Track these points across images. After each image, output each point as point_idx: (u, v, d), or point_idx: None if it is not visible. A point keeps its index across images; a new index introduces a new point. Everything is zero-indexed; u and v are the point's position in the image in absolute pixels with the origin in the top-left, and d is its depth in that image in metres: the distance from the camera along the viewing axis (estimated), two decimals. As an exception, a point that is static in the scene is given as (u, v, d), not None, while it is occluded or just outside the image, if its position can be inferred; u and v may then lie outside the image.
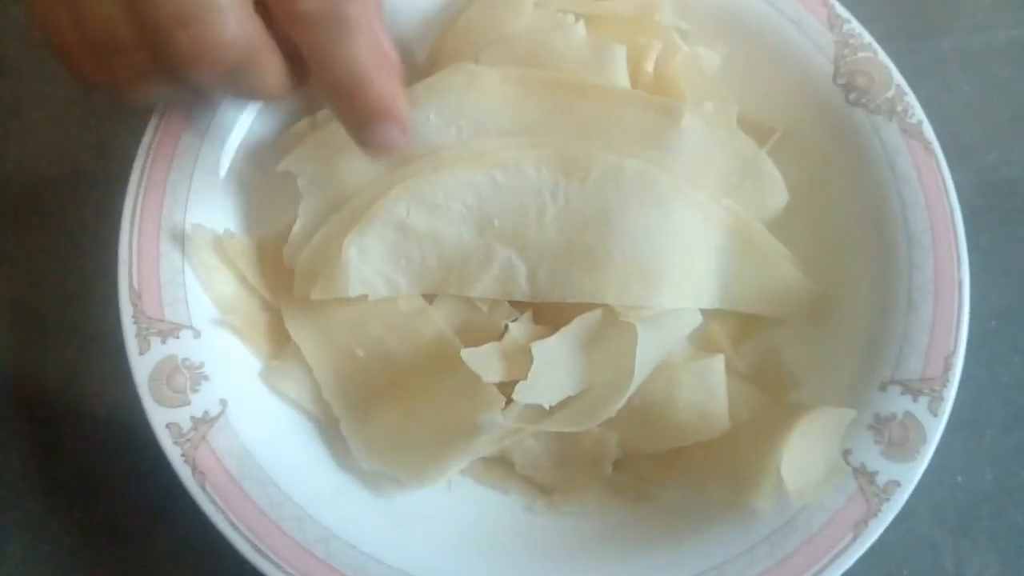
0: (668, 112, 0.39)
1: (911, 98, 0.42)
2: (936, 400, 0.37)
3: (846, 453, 0.37)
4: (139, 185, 0.40)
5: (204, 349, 0.38)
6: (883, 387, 0.38)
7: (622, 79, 0.41)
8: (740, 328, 0.42)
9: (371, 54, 0.33)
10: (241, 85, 0.33)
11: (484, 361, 0.36)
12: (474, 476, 0.40)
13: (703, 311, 0.40)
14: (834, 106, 0.43)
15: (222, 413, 0.38)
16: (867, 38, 0.43)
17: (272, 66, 0.33)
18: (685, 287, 0.39)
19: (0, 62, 0.50)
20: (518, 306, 0.39)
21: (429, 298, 0.40)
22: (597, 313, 0.38)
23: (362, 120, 0.34)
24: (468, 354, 0.36)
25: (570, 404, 0.37)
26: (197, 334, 0.38)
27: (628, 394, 0.36)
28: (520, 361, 0.36)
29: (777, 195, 0.42)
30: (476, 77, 0.39)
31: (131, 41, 0.31)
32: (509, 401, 0.36)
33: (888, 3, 0.52)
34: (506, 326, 0.39)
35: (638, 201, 0.38)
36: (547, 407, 0.36)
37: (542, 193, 0.38)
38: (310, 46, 0.33)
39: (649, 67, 0.42)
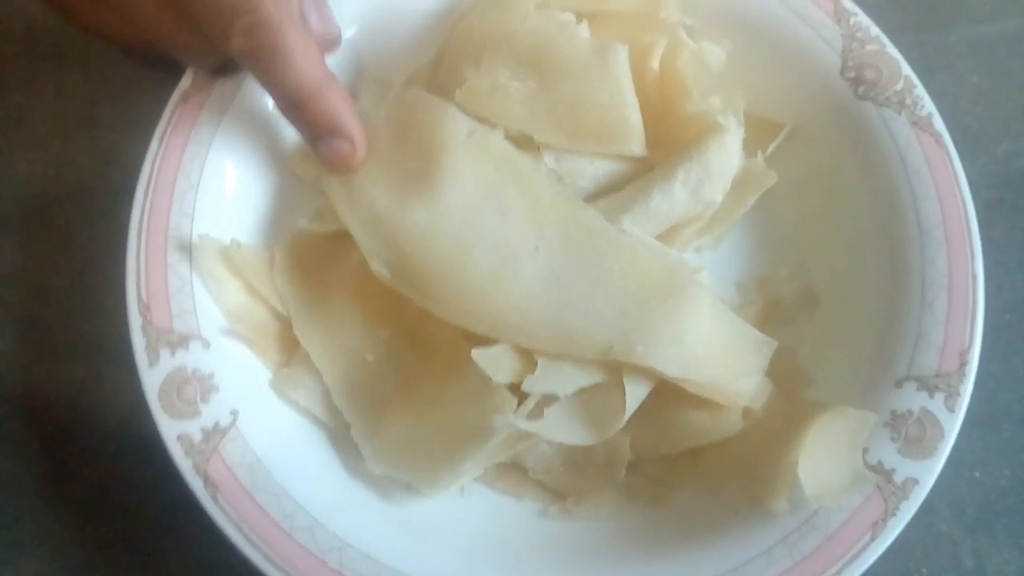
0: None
1: (920, 90, 0.42)
2: (952, 396, 0.37)
3: (863, 452, 0.36)
4: (146, 196, 0.40)
5: (214, 359, 0.38)
6: (899, 383, 0.38)
7: (624, 79, 0.40)
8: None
9: (305, 77, 0.36)
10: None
11: (495, 361, 0.36)
12: (487, 482, 0.40)
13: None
14: (843, 100, 0.43)
15: (233, 424, 0.37)
16: (875, 31, 0.43)
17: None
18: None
19: (5, 76, 0.50)
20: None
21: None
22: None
23: (312, 135, 0.38)
24: (478, 354, 0.36)
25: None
26: (206, 344, 0.38)
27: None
28: (531, 361, 0.36)
29: None
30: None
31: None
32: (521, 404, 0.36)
33: (895, -5, 0.52)
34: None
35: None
36: (562, 396, 0.36)
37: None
38: (252, 75, 0.37)
39: (655, 64, 0.42)
